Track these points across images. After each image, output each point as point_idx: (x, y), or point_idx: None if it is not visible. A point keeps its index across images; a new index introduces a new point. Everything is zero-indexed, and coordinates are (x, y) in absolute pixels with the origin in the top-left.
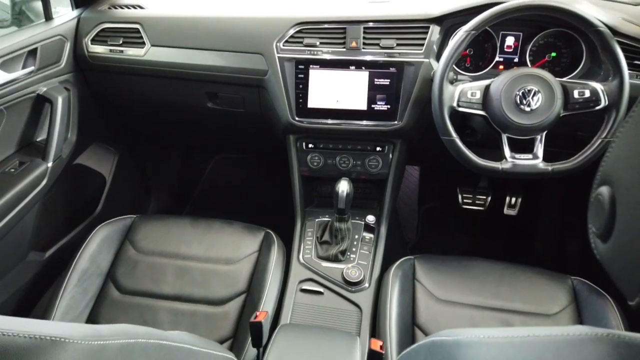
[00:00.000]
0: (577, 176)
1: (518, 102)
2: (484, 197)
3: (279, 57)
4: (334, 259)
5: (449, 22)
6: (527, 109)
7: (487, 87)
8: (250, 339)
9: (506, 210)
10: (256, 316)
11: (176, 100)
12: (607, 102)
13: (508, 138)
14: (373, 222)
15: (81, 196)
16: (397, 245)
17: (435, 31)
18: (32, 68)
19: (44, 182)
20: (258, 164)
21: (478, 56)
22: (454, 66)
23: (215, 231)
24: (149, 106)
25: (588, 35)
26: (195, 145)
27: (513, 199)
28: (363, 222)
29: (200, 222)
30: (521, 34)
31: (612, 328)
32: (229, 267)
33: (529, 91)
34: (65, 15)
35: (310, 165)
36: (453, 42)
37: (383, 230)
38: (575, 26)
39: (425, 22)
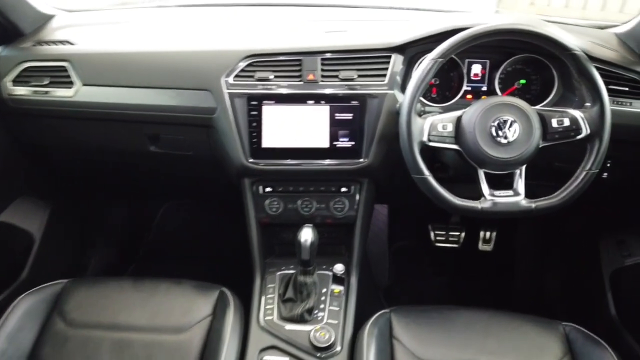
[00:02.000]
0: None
1: (494, 134)
2: (458, 234)
3: (228, 92)
4: (300, 320)
5: (412, 50)
6: (504, 141)
7: (459, 119)
8: None
9: (481, 246)
10: None
11: (113, 145)
12: (588, 131)
13: (485, 173)
14: (342, 272)
15: (2, 260)
16: (369, 292)
17: (397, 61)
18: None
19: None
20: (213, 210)
21: (444, 86)
22: (420, 97)
23: (162, 294)
24: (83, 153)
25: (559, 60)
26: (141, 193)
27: (487, 234)
28: (331, 273)
29: (144, 284)
30: (488, 61)
31: None
32: (177, 337)
33: (505, 122)
34: None
35: (269, 212)
36: (419, 72)
37: (354, 280)
38: (544, 51)
39: (387, 51)
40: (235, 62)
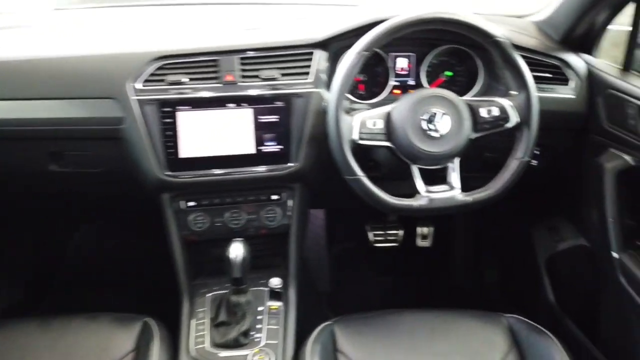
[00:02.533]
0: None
1: (425, 127)
2: (396, 232)
3: (136, 99)
4: (235, 344)
5: (336, 46)
6: (436, 134)
7: (389, 115)
8: None
9: (419, 243)
10: None
11: (4, 166)
12: (518, 119)
13: (419, 169)
14: (279, 287)
15: None
16: (311, 301)
17: (321, 57)
18: None
19: None
20: (132, 230)
21: (371, 82)
22: (347, 94)
23: (74, 332)
24: None
25: (483, 49)
26: (48, 218)
27: (425, 230)
28: (267, 289)
29: (53, 323)
30: (413, 54)
31: None
32: None
33: (435, 114)
34: None
35: (194, 228)
36: (344, 67)
37: (292, 294)
38: (468, 42)
39: (309, 48)
40: (143, 66)
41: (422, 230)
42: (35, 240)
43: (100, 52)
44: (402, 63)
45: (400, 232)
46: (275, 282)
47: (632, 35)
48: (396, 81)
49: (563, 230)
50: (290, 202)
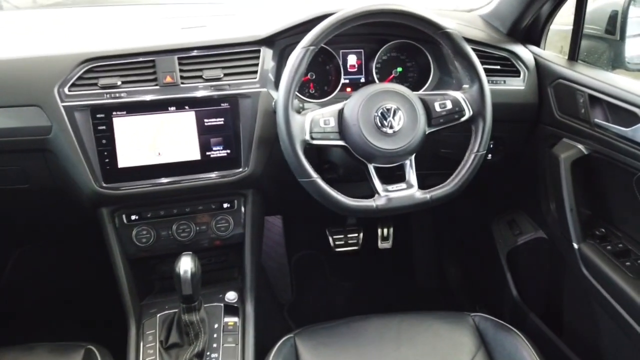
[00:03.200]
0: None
1: (379, 124)
2: (356, 235)
3: (64, 106)
4: None
5: (282, 43)
6: (390, 130)
7: (341, 112)
8: None
9: (380, 244)
10: None
11: None
12: (472, 112)
13: (375, 168)
14: (235, 301)
15: None
16: (271, 313)
17: (267, 55)
18: None
19: None
20: (71, 250)
21: (322, 80)
22: (297, 93)
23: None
24: None
25: (433, 43)
26: None
27: (385, 231)
28: (222, 304)
29: None
30: (363, 50)
31: None
32: None
33: (389, 110)
34: None
35: (138, 244)
36: (291, 62)
37: (249, 309)
38: (418, 36)
39: (254, 45)
40: (70, 69)
41: (382, 231)
42: None
43: (22, 55)
44: (352, 60)
45: (360, 235)
46: (231, 296)
47: (576, 24)
48: (347, 79)
49: (522, 223)
50: (243, 210)
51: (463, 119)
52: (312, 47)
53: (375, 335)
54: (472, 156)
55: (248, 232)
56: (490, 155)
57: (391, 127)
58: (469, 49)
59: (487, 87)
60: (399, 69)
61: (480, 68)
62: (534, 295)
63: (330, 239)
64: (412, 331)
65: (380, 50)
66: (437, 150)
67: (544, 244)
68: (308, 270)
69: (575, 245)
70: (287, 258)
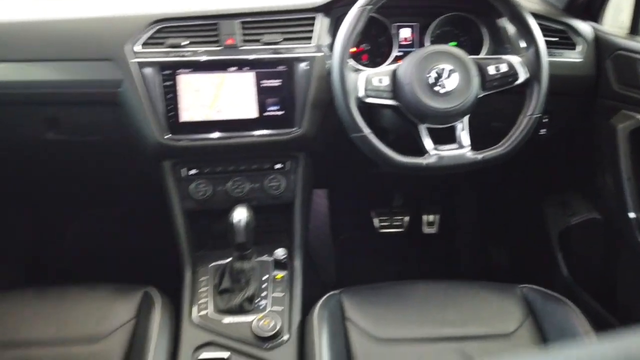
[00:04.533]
0: (489, 181)
1: (432, 83)
2: (401, 217)
3: (136, 62)
4: (239, 310)
5: (338, 11)
6: (443, 90)
7: (395, 72)
8: None
9: (426, 229)
10: None
11: (1, 134)
12: (527, 75)
13: (427, 130)
14: (284, 257)
15: None
16: (314, 289)
17: (324, 22)
18: None
19: None
20: (131, 212)
21: (375, 52)
22: (352, 59)
23: (72, 301)
24: None
25: (488, 16)
26: (47, 201)
27: (431, 217)
28: (271, 259)
29: (49, 293)
30: (417, 24)
31: (581, 337)
32: (92, 348)
33: (442, 70)
34: None
35: (195, 197)
36: (347, 21)
37: (298, 264)
38: (471, 8)
39: (311, 12)
40: (142, 29)
41: (427, 217)
42: (34, 226)
43: (99, 14)
44: (405, 33)
45: (406, 218)
46: (280, 252)
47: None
48: (400, 52)
49: (575, 203)
50: (294, 172)
51: (517, 82)
52: (368, 7)
53: (422, 298)
54: (526, 119)
55: (298, 193)
56: (543, 130)
57: (444, 87)
58: (526, 12)
59: (544, 50)
60: (453, 43)
61: (537, 31)
62: (586, 274)
63: (375, 220)
64: (459, 297)
65: (435, 24)
66: (488, 123)
67: (598, 225)
68: (351, 251)
69: (632, 215)
70: (331, 240)
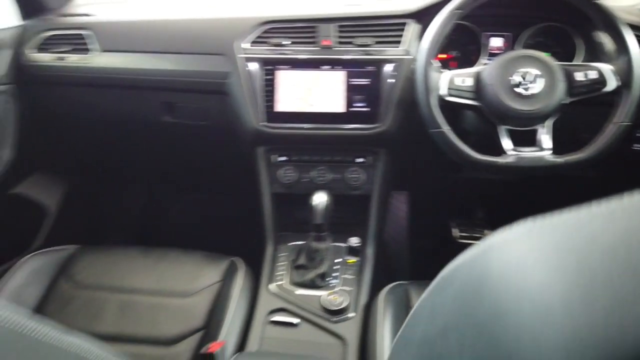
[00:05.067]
0: (575, 201)
1: (515, 86)
2: (482, 230)
3: (243, 57)
4: (312, 285)
5: (430, 18)
6: (526, 93)
7: (479, 74)
8: None
9: None
10: (209, 347)
11: (127, 114)
12: (617, 83)
13: (507, 131)
14: (357, 244)
15: (16, 228)
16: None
17: (414, 28)
18: None
19: None
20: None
21: (463, 59)
22: (440, 64)
23: (170, 261)
24: (97, 123)
25: (581, 27)
26: (155, 180)
27: None
28: (346, 245)
29: (153, 252)
30: (510, 34)
31: None
32: (183, 301)
33: (527, 73)
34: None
35: (282, 181)
36: (436, 23)
37: (370, 252)
38: (565, 19)
39: (403, 18)
40: (251, 29)
41: None
42: (146, 202)
43: (214, 15)
44: (496, 42)
45: (487, 231)
46: (355, 240)
47: None
48: (489, 59)
49: None
50: (374, 167)
51: (606, 89)
52: (457, 11)
53: None
54: (613, 127)
55: (376, 187)
56: (638, 146)
57: (527, 90)
58: (619, 20)
59: (638, 60)
60: (546, 54)
61: (630, 40)
62: None
63: (455, 230)
64: None
65: (527, 34)
66: (573, 133)
67: None
68: (428, 258)
69: None
70: (409, 244)
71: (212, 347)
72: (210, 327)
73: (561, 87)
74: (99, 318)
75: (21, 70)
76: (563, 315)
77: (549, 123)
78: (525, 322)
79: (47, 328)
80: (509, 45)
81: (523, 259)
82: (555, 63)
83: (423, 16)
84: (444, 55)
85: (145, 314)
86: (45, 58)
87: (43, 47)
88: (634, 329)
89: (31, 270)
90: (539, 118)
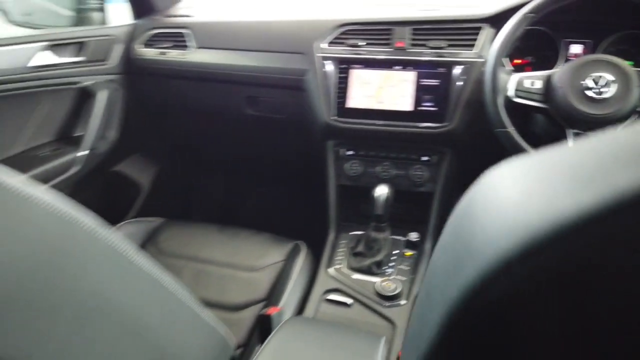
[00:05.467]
0: None
1: (586, 89)
2: None
3: (321, 56)
4: (368, 271)
5: (504, 23)
6: (597, 96)
7: (549, 77)
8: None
9: None
10: (267, 310)
11: (215, 106)
12: None
13: (575, 135)
14: (416, 238)
15: (115, 200)
16: None
17: (489, 33)
18: (80, 58)
19: (73, 169)
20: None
21: (539, 65)
22: (512, 67)
23: (242, 239)
24: (190, 113)
25: None
26: (233, 171)
27: None
28: (404, 239)
29: (228, 230)
30: (590, 41)
31: None
32: (249, 274)
33: (600, 77)
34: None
35: (348, 174)
36: (509, 25)
37: (428, 246)
38: None
39: (478, 22)
40: (330, 30)
41: None
42: (226, 191)
43: (297, 18)
44: (575, 49)
45: None
46: (414, 235)
47: None
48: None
49: None
50: (438, 166)
51: None
52: (531, 15)
53: None
54: None
55: (439, 186)
56: None
57: (599, 94)
58: None
59: None
60: (630, 63)
61: None
62: None
63: None
64: None
65: (608, 42)
66: None
67: None
68: None
69: None
70: None
71: (270, 311)
72: (271, 298)
73: (636, 92)
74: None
75: (130, 63)
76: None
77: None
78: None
79: (143, 259)
80: (589, 52)
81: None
82: (632, 69)
83: (498, 21)
84: (520, 60)
85: (216, 282)
86: (150, 53)
87: (149, 43)
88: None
89: (125, 235)
90: (610, 123)
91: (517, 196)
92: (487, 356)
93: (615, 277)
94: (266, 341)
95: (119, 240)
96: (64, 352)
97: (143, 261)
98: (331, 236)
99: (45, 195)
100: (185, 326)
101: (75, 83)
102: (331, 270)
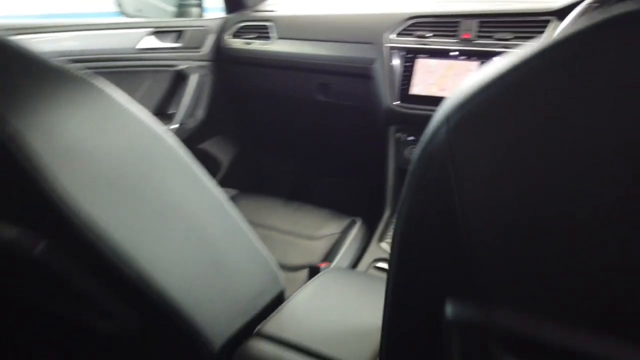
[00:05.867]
0: None
1: None
2: None
3: (389, 46)
4: None
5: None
6: None
7: None
8: None
9: None
10: (318, 264)
11: (290, 90)
12: None
13: None
14: None
15: None
16: None
17: (556, 25)
18: (178, 45)
19: None
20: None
21: None
22: None
23: (304, 212)
24: (267, 98)
25: None
26: (302, 151)
27: None
28: None
29: (293, 203)
30: None
31: None
32: (308, 242)
33: None
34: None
35: (407, 158)
36: (572, 15)
37: None
38: None
39: (546, 15)
40: (399, 22)
41: None
42: (295, 177)
43: (369, 11)
44: None
45: None
46: None
47: None
48: None
49: None
50: None
51: None
52: (595, 4)
53: None
54: None
55: None
56: None
57: None
58: None
59: None
60: None
61: None
62: None
63: None
64: None
65: None
66: None
67: None
68: None
69: None
70: None
71: (321, 264)
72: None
73: None
74: None
75: (219, 52)
76: None
77: None
78: None
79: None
80: None
81: None
82: None
83: (566, 14)
84: None
85: (279, 246)
86: (237, 43)
87: (237, 34)
88: None
89: None
90: None
91: None
92: None
93: None
94: (308, 282)
95: (193, 161)
96: (142, 237)
97: (212, 185)
98: (386, 214)
99: (140, 112)
100: (241, 249)
101: (172, 66)
102: (383, 244)
